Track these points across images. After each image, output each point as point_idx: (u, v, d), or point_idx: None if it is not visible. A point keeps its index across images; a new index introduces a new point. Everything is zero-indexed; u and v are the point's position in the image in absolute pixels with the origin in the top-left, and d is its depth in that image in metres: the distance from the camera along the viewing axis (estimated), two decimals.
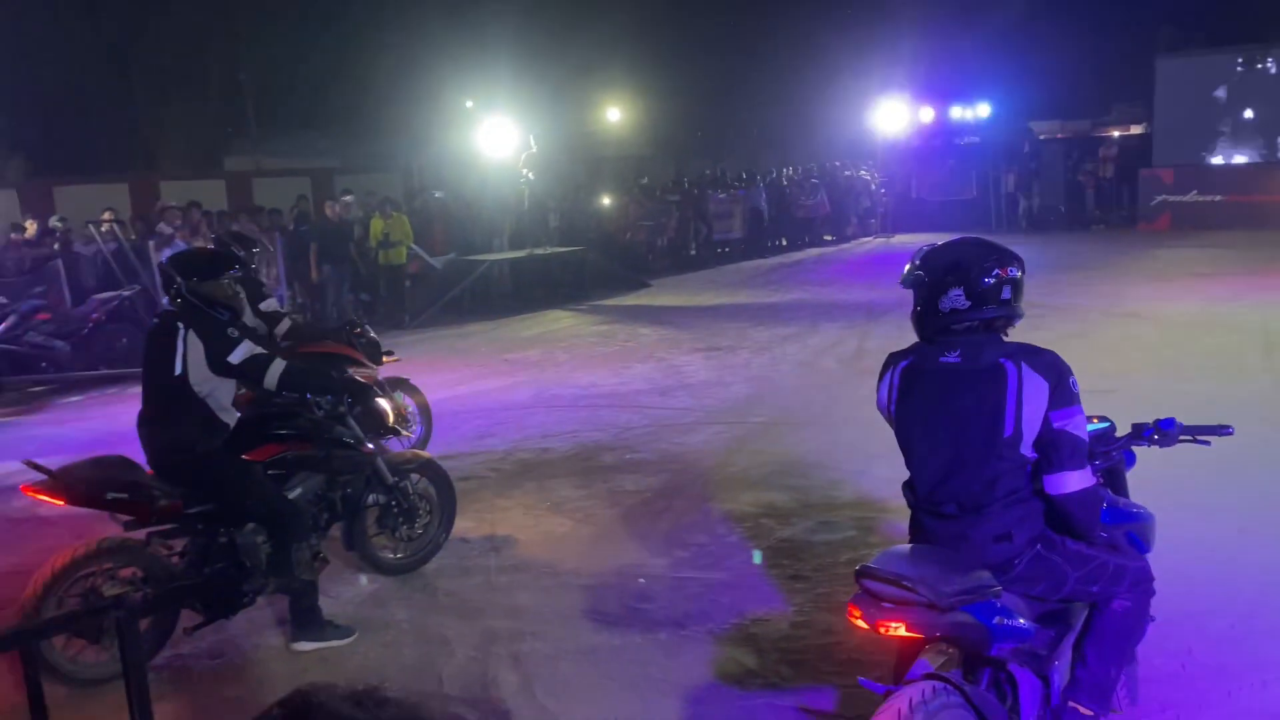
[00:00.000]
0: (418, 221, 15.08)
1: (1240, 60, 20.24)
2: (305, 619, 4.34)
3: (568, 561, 5.13)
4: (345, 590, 4.92)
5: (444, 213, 16.78)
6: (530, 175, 15.74)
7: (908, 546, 2.86)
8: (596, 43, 26.12)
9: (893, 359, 2.88)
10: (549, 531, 5.61)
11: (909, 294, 2.86)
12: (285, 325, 6.44)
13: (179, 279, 4.33)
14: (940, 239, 2.96)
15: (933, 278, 2.74)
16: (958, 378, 2.71)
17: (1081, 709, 2.87)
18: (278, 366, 4.34)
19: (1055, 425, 2.65)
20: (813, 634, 4.17)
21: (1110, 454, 3.14)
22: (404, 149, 24.22)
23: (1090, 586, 2.80)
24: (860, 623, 2.64)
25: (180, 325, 4.22)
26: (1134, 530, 3.09)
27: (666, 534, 5.44)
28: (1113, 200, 21.72)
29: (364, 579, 5.04)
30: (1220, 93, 20.32)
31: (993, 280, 2.69)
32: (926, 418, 2.77)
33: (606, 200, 19.43)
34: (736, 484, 6.20)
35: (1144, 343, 9.56)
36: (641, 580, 4.84)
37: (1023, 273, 2.79)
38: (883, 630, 2.60)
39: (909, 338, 2.92)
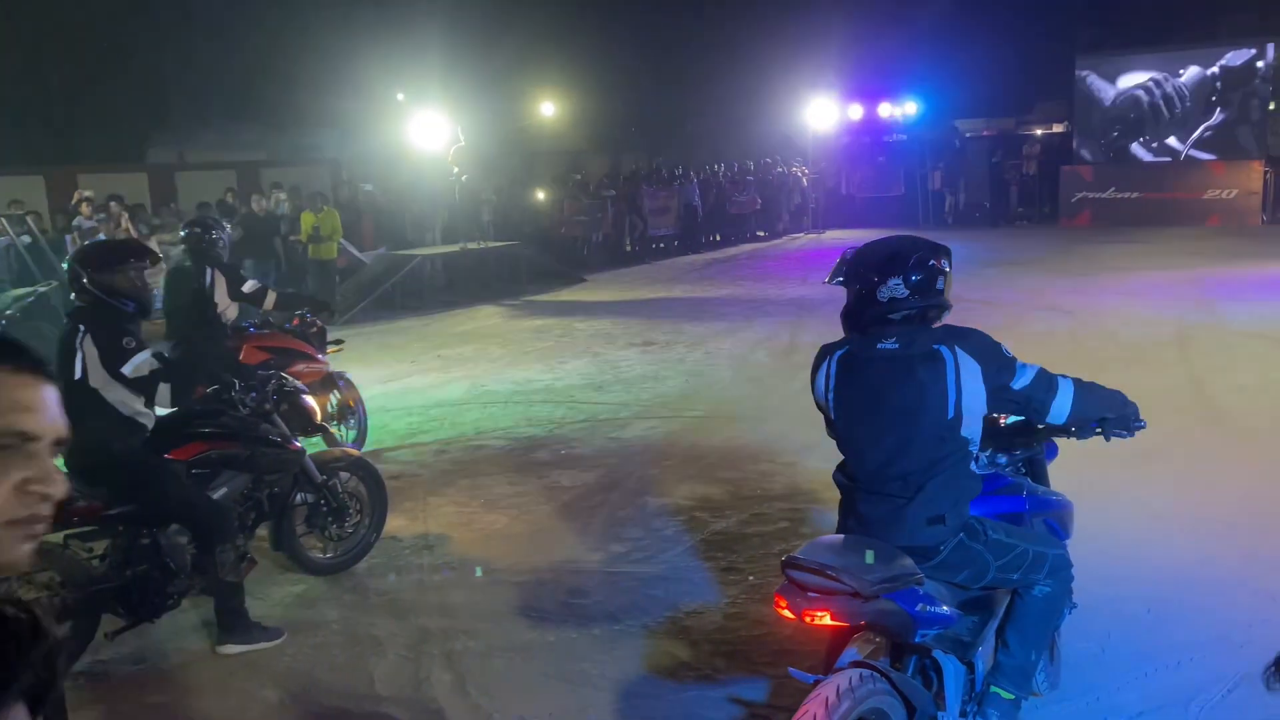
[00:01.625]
0: (347, 215, 14.85)
1: (1156, 61, 20.89)
2: (231, 621, 4.25)
3: (502, 558, 5.10)
4: (273, 591, 4.83)
5: (374, 207, 16.57)
6: (459, 171, 15.57)
7: (833, 536, 2.89)
8: (530, 37, 25.96)
9: (828, 349, 2.95)
10: (483, 529, 5.57)
11: (841, 290, 2.94)
12: (271, 299, 6.63)
13: (81, 272, 4.24)
14: (869, 235, 3.03)
15: (870, 271, 2.83)
16: (897, 364, 2.78)
17: (1004, 693, 2.95)
18: (164, 390, 4.27)
19: (1017, 388, 2.80)
20: (746, 625, 4.21)
21: (1032, 445, 3.22)
22: (333, 142, 23.79)
23: (1011, 574, 2.88)
24: (786, 613, 2.68)
25: (81, 328, 4.14)
26: (1053, 518, 3.18)
27: (602, 529, 5.44)
28: (1035, 197, 22.27)
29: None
30: (1137, 92, 20.94)
31: (928, 271, 2.80)
32: (867, 403, 2.84)
33: (541, 195, 19.35)
34: (671, 478, 6.23)
35: (1066, 335, 9.83)
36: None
37: (951, 266, 2.89)
38: (808, 620, 2.64)
39: (839, 331, 2.97)
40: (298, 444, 4.79)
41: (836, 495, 2.95)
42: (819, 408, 3.00)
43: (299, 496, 4.85)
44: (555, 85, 30.85)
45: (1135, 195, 20.26)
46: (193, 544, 4.27)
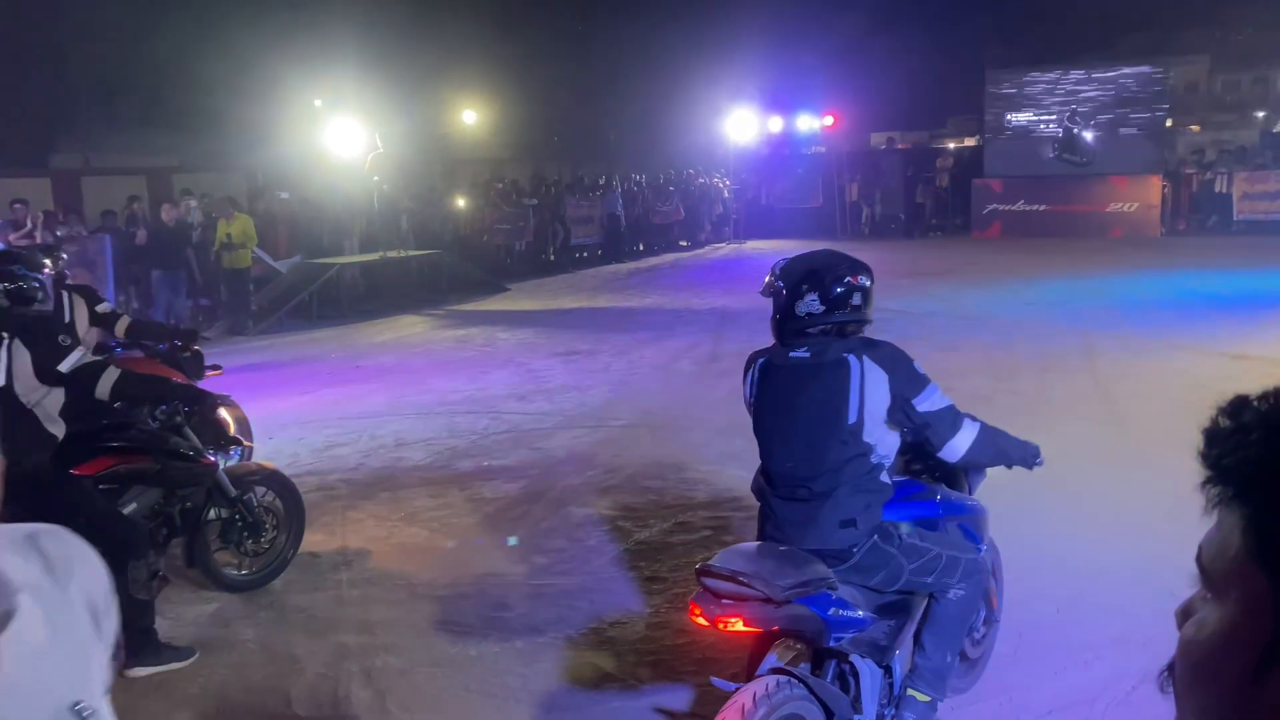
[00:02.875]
0: (261, 223, 14.52)
1: (1061, 77, 21.65)
2: (140, 642, 4.11)
3: (422, 573, 5.03)
4: (186, 610, 4.69)
5: (289, 214, 16.23)
6: (379, 180, 15.35)
7: (748, 544, 2.97)
8: (451, 44, 25.76)
9: (753, 357, 3.07)
10: (403, 543, 5.49)
11: (762, 299, 3.05)
12: (124, 324, 6.11)
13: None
14: (788, 245, 3.12)
15: (790, 285, 2.93)
16: (806, 371, 2.89)
17: (920, 695, 3.02)
18: (111, 375, 4.11)
19: (921, 409, 2.85)
20: (669, 634, 4.23)
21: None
22: (247, 148, 23.23)
23: (925, 578, 2.95)
24: (701, 620, 2.71)
25: (4, 334, 3.97)
26: (967, 522, 3.26)
27: (524, 541, 5.40)
28: (948, 209, 22.86)
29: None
30: (1044, 107, 21.65)
31: (844, 287, 2.91)
32: (779, 408, 2.95)
33: (462, 203, 19.18)
34: (595, 488, 6.22)
35: (978, 344, 10.10)
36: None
37: (872, 282, 2.99)
38: (721, 626, 2.68)
39: (762, 340, 3.05)
40: (211, 457, 4.67)
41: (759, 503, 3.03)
42: (748, 410, 3.11)
43: (213, 512, 4.72)
44: (477, 93, 30.66)
45: (1042, 208, 20.94)
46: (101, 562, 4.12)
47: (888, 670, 2.99)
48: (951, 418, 2.90)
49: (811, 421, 2.87)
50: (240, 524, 4.80)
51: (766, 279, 3.04)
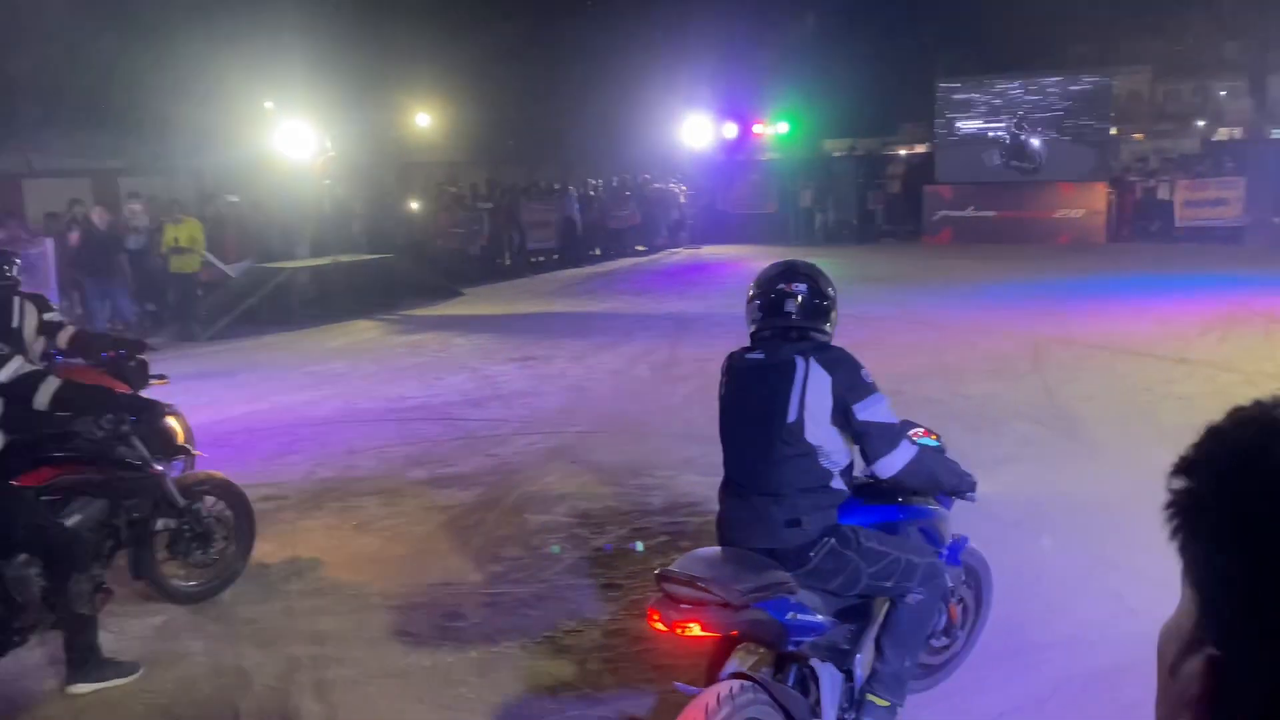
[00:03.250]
0: (210, 227, 14.28)
1: (1011, 85, 22.02)
2: (83, 658, 4.01)
3: (375, 582, 4.97)
4: (131, 624, 4.59)
5: (239, 218, 15.98)
6: (330, 183, 15.17)
7: (708, 549, 2.99)
8: (405, 47, 25.54)
9: (728, 357, 3.18)
10: (355, 552, 5.42)
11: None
12: (68, 334, 5.96)
13: None
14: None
15: (758, 294, 3.09)
16: (757, 371, 2.99)
17: (879, 700, 3.04)
18: (50, 384, 4.00)
19: (860, 418, 2.87)
20: (627, 641, 4.21)
21: None
22: (195, 150, 22.84)
23: (884, 582, 2.97)
24: (659, 625, 2.73)
25: None
26: (926, 526, 3.30)
27: (479, 549, 5.36)
28: (900, 215, 23.13)
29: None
30: (992, 117, 22.00)
31: (799, 295, 3.03)
32: (732, 408, 3.04)
33: (416, 206, 19.02)
34: (551, 495, 6.20)
35: (930, 347, 10.23)
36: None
37: (834, 290, 3.13)
38: (679, 631, 2.70)
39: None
40: (158, 467, 4.57)
41: (716, 508, 3.04)
42: None
43: (160, 522, 4.62)
44: (430, 95, 30.45)
45: (992, 214, 21.27)
46: (42, 575, 4.01)
47: (848, 674, 3.02)
48: (891, 435, 2.92)
49: (756, 420, 2.96)
50: (189, 535, 4.70)
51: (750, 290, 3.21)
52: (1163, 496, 0.74)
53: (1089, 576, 4.67)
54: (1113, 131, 22.47)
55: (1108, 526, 5.26)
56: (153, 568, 4.63)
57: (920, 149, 26.67)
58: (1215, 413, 0.73)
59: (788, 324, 3.00)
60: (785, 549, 2.86)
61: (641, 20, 29.10)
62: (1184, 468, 0.74)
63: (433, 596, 4.78)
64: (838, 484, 2.96)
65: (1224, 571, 0.70)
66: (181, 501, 4.64)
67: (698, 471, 6.48)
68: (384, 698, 3.88)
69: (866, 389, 2.89)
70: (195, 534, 4.72)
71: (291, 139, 14.77)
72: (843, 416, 2.88)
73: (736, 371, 3.07)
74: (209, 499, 4.84)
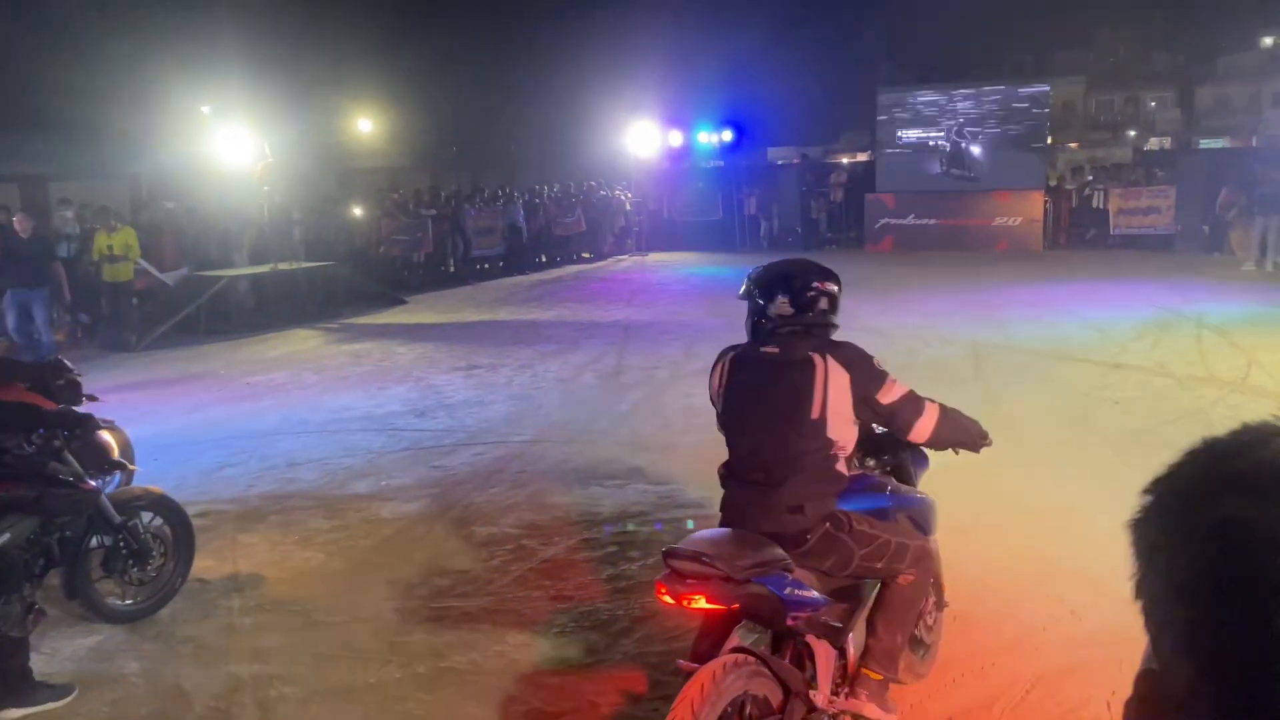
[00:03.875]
0: (146, 234, 13.93)
1: (948, 95, 22.42)
2: (14, 682, 3.87)
3: (319, 598, 4.88)
4: (64, 645, 4.44)
5: (175, 225, 15.63)
6: (269, 189, 14.88)
7: (711, 530, 3.12)
8: (346, 50, 25.27)
9: (725, 352, 3.32)
10: (298, 567, 5.32)
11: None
12: None
13: None
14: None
15: (764, 289, 3.18)
16: (775, 366, 3.11)
17: (873, 674, 3.22)
18: None
19: (885, 402, 3.10)
20: (577, 654, 4.18)
21: (899, 453, 3.56)
22: (130, 155, 22.32)
23: (875, 563, 3.14)
24: (667, 599, 2.87)
25: None
26: (914, 514, 3.44)
27: (425, 563, 5.29)
28: (843, 223, 23.39)
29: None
30: (933, 124, 22.35)
31: (813, 292, 3.17)
32: (746, 400, 3.17)
33: (358, 212, 18.77)
34: (498, 506, 6.14)
35: (874, 353, 10.33)
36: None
37: (839, 289, 3.25)
38: (685, 604, 2.83)
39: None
40: (92, 483, 4.43)
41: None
42: (712, 402, 3.32)
43: (95, 540, 4.49)
44: (372, 100, 30.13)
45: (932, 222, 21.59)
46: None
47: (841, 651, 3.18)
48: (914, 403, 3.17)
49: (776, 413, 3.09)
50: (125, 551, 4.58)
51: (744, 284, 3.29)
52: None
53: (1033, 581, 4.75)
54: (1049, 140, 22.95)
55: (1051, 530, 5.36)
56: (87, 586, 4.49)
57: (862, 157, 27.04)
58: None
59: (801, 322, 3.14)
60: (785, 533, 3.02)
61: (587, 27, 29.13)
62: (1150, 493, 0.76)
63: (378, 612, 4.70)
64: (841, 470, 3.14)
65: (1151, 594, 0.72)
66: (117, 518, 4.51)
67: (647, 480, 6.47)
68: (329, 716, 3.81)
69: (882, 376, 3.12)
70: (131, 551, 4.59)
71: (230, 144, 14.48)
72: (866, 408, 3.11)
73: (747, 365, 3.18)
74: (146, 515, 4.71)
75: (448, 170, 31.12)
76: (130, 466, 5.58)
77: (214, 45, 20.79)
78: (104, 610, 4.59)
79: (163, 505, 4.82)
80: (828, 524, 3.06)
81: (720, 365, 3.27)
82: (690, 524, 5.43)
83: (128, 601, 4.67)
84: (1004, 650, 4.07)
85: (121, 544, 4.56)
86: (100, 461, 4.74)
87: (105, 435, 4.77)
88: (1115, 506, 0.83)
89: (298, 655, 4.29)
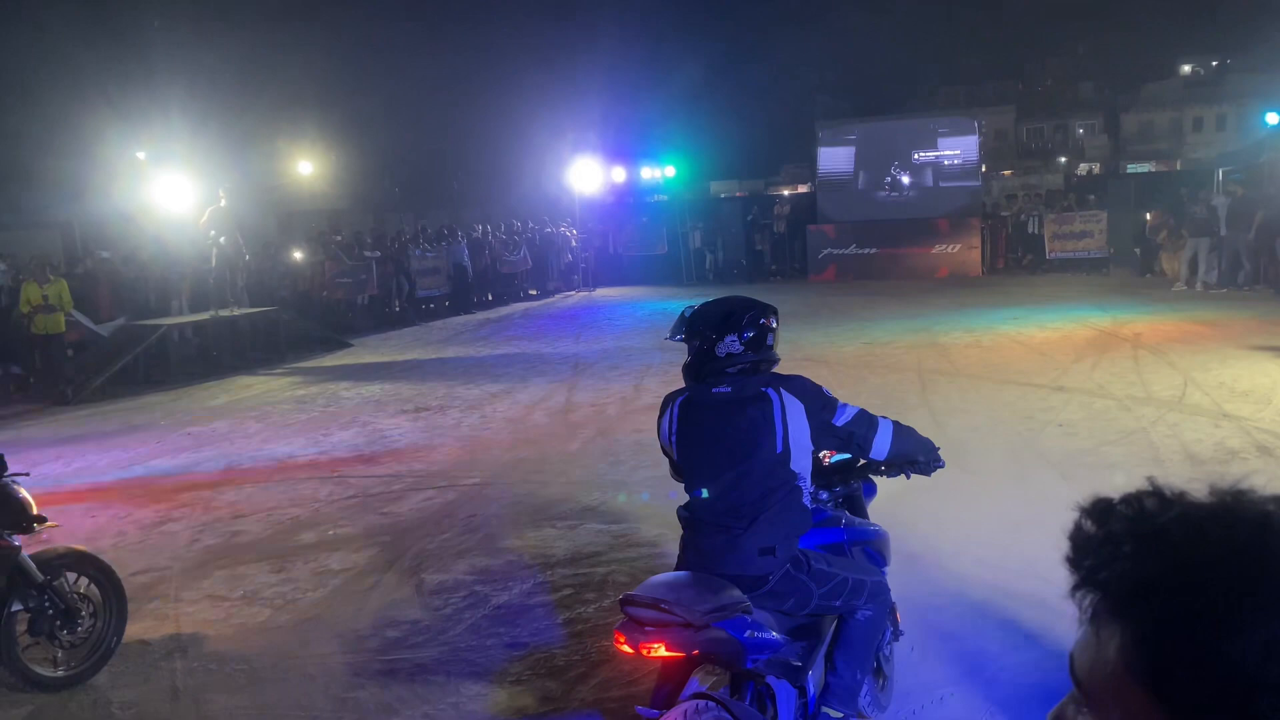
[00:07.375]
0: (80, 284, 13.61)
1: (886, 128, 22.86)
2: None
3: (265, 655, 4.72)
4: None
5: (111, 273, 15.29)
6: (215, 234, 14.59)
7: (668, 574, 3.05)
8: (284, 94, 25.10)
9: (671, 397, 3.21)
10: (243, 624, 5.15)
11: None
12: None
13: None
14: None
15: (709, 329, 3.13)
16: (730, 406, 3.07)
17: (833, 712, 3.17)
18: None
19: (840, 424, 3.10)
20: (534, 703, 4.09)
21: (850, 481, 3.52)
22: (62, 203, 21.86)
23: (834, 601, 3.11)
24: (625, 648, 2.80)
25: None
26: (871, 547, 3.44)
27: (376, 614, 5.15)
28: (786, 254, 23.64)
29: None
30: (870, 155, 22.73)
31: (758, 329, 3.13)
32: (705, 443, 3.10)
33: (299, 256, 18.54)
34: (450, 552, 6.02)
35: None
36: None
37: (777, 323, 3.23)
38: (645, 652, 2.77)
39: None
40: (12, 540, 4.25)
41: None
42: (664, 451, 3.26)
43: (16, 603, 4.29)
44: (313, 142, 29.93)
45: (874, 251, 21.92)
46: None
47: (802, 690, 3.13)
48: (868, 420, 3.17)
49: (740, 453, 3.04)
50: (52, 613, 4.39)
51: (676, 322, 3.27)
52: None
53: (986, 608, 4.75)
54: (983, 169, 23.47)
55: (999, 555, 5.38)
56: (12, 653, 4.29)
57: (803, 189, 27.38)
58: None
59: (749, 360, 3.11)
60: (746, 575, 2.97)
61: (528, 66, 29.28)
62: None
63: (327, 667, 4.56)
64: (806, 504, 3.12)
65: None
66: (40, 577, 4.33)
67: (600, 520, 6.40)
68: None
69: (832, 402, 3.13)
70: (59, 611, 4.41)
71: (168, 190, 14.22)
72: (826, 435, 3.11)
73: (698, 407, 3.12)
74: (70, 574, 4.52)
75: (390, 211, 30.94)
76: (50, 523, 5.38)
77: (149, 90, 20.51)
78: (32, 678, 4.38)
79: (88, 563, 4.63)
80: (788, 565, 3.03)
81: (669, 412, 3.19)
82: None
83: (60, 669, 4.47)
84: (961, 679, 4.06)
85: (47, 604, 4.38)
86: (17, 518, 4.53)
87: (23, 491, 4.56)
88: (1064, 529, 0.81)
89: (244, 715, 4.14)
